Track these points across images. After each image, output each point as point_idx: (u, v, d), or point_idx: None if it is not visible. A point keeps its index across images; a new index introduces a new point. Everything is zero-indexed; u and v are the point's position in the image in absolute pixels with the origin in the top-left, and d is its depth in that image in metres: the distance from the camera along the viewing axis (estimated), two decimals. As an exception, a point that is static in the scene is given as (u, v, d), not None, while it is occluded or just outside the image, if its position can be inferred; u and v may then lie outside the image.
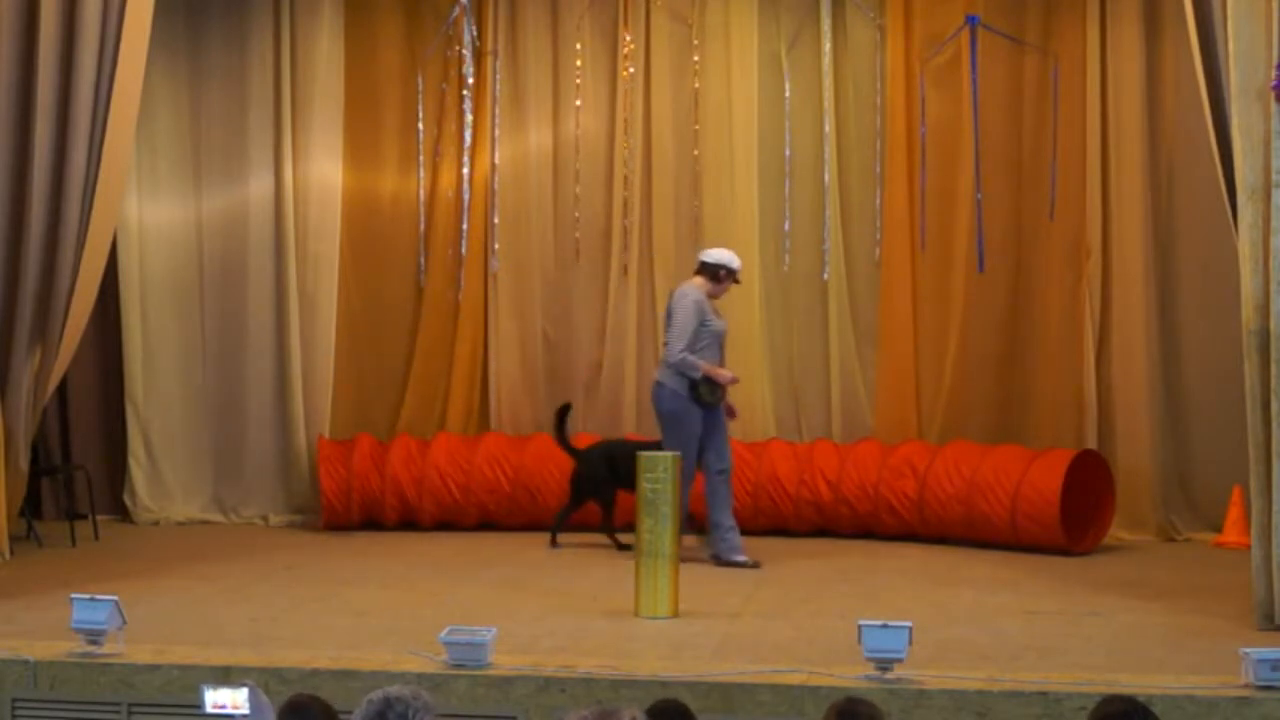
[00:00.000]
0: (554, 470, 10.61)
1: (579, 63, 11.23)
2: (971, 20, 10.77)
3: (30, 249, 9.01)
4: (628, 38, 11.19)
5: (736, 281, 9.54)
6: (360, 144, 11.38)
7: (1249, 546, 7.65)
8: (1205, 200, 9.65)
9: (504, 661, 6.61)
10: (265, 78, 11.25)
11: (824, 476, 10.37)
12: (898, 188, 10.99)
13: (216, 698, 5.17)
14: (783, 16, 11.11)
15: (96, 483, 10.94)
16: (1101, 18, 10.61)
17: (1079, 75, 10.67)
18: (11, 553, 9.39)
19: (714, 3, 11.12)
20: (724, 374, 9.34)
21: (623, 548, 9.56)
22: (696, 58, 11.16)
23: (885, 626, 6.34)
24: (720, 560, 9.27)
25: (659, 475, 7.95)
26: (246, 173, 11.29)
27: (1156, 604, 8.25)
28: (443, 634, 6.64)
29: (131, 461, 11.22)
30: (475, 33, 11.30)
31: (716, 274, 9.40)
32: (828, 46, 11.01)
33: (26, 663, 6.74)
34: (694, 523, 9.47)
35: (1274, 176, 7.31)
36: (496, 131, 11.32)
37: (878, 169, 11.05)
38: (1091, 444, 10.42)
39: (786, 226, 11.05)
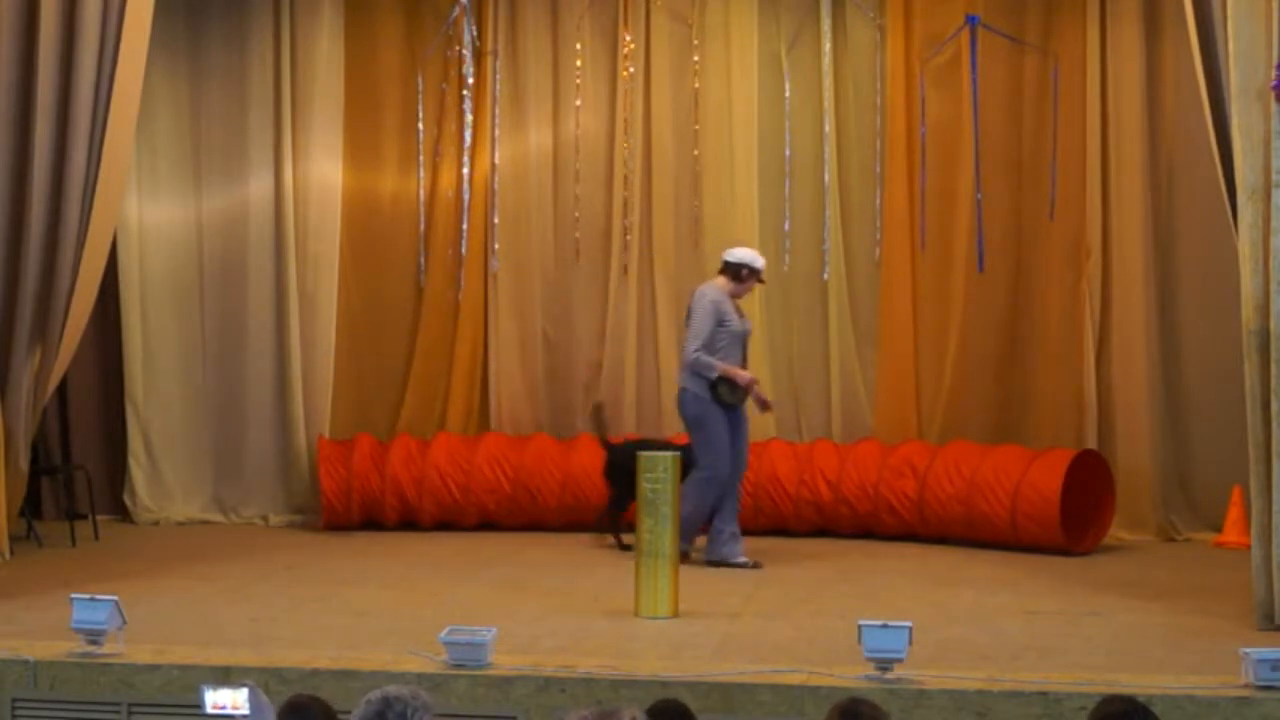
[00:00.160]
0: (554, 470, 10.62)
1: (579, 63, 11.23)
2: (971, 20, 10.77)
3: (30, 249, 9.01)
4: (628, 38, 11.19)
5: (760, 281, 9.50)
6: (360, 144, 11.38)
7: (1249, 546, 7.65)
8: (1205, 200, 9.64)
9: (504, 661, 6.60)
10: (265, 78, 11.25)
11: (824, 476, 10.36)
12: (898, 188, 10.99)
13: (216, 698, 5.17)
14: (783, 16, 11.12)
15: (96, 483, 10.94)
16: (1101, 18, 10.61)
17: (1079, 75, 10.67)
18: (11, 553, 9.39)
19: (714, 3, 11.12)
20: (742, 374, 9.24)
21: (624, 547, 9.55)
22: (696, 58, 11.16)
23: (885, 626, 6.34)
24: (718, 563, 9.25)
25: (659, 475, 7.95)
26: (246, 173, 11.29)
27: (1156, 604, 8.25)
28: (443, 634, 6.64)
29: (131, 461, 11.22)
30: (475, 33, 11.30)
31: (739, 273, 9.33)
32: (828, 46, 11.02)
33: (26, 663, 6.74)
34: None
35: (1274, 176, 7.31)
36: (496, 131, 11.32)
37: (878, 169, 11.05)
38: (1091, 444, 10.42)
39: (786, 226, 11.05)
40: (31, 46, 8.91)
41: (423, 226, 11.41)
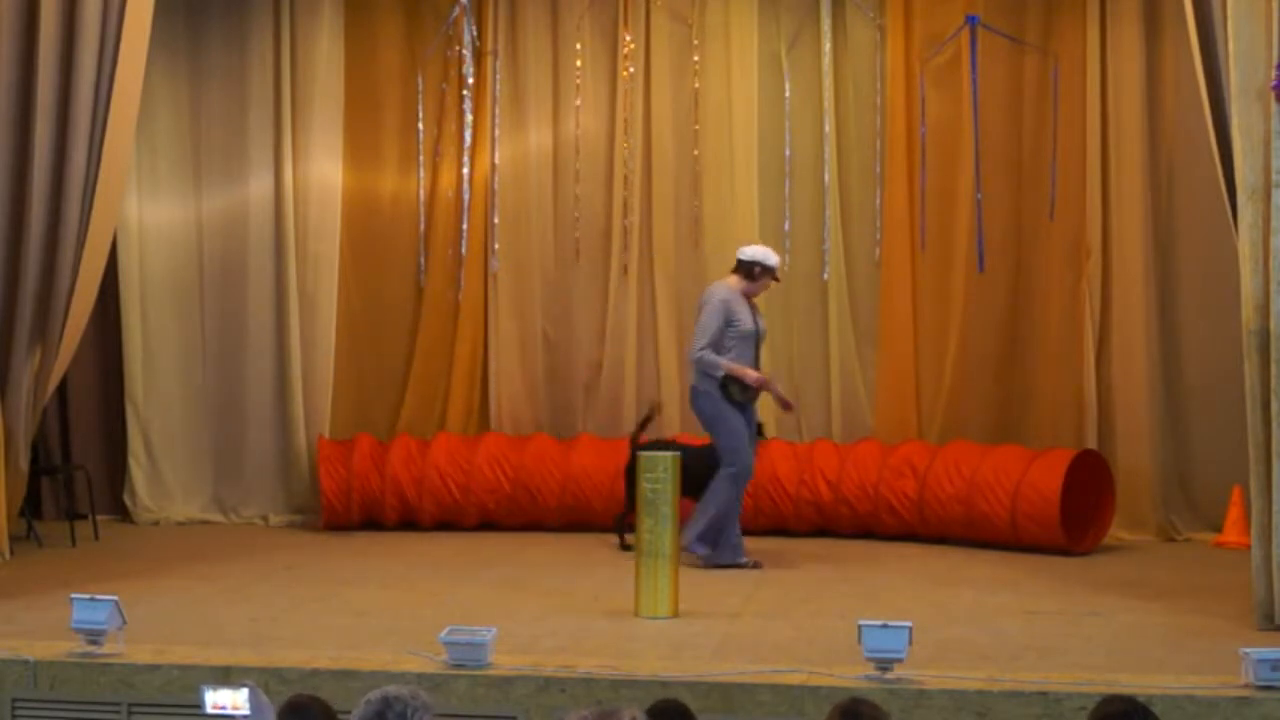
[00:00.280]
0: (554, 470, 10.62)
1: (579, 63, 11.23)
2: (971, 20, 10.77)
3: (30, 249, 9.01)
4: (628, 38, 11.19)
5: (775, 279, 9.40)
6: (360, 144, 11.38)
7: (1249, 546, 7.65)
8: (1205, 200, 9.64)
9: (504, 661, 6.60)
10: (265, 78, 11.25)
11: (824, 476, 10.36)
12: (898, 188, 10.99)
13: (217, 698, 5.16)
14: (783, 16, 11.12)
15: (96, 483, 10.94)
16: (1101, 18, 10.61)
17: (1079, 75, 10.67)
18: (11, 553, 9.39)
19: (714, 3, 11.12)
20: (749, 374, 9.15)
21: (625, 548, 9.54)
22: (696, 58, 11.16)
23: (885, 626, 6.34)
24: (717, 564, 9.25)
25: (659, 475, 7.95)
26: (246, 173, 11.29)
27: (1156, 604, 8.25)
28: (443, 634, 6.64)
29: (131, 461, 11.22)
30: (475, 33, 11.30)
31: (751, 271, 9.24)
32: (828, 46, 11.02)
33: (26, 663, 6.74)
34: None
35: (1274, 176, 7.31)
36: (496, 131, 11.32)
37: (878, 169, 11.05)
38: (1091, 444, 10.42)
39: (786, 226, 11.05)
40: (31, 46, 8.91)
41: (423, 226, 11.41)
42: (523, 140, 11.34)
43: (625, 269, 11.22)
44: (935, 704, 6.23)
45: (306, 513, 11.04)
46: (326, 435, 11.03)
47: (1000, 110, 10.89)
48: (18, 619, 7.74)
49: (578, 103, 11.25)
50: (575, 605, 8.20)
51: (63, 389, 10.83)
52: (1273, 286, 7.32)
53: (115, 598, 6.81)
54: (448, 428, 11.16)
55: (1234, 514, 9.93)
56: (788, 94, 11.09)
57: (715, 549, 9.21)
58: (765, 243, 10.73)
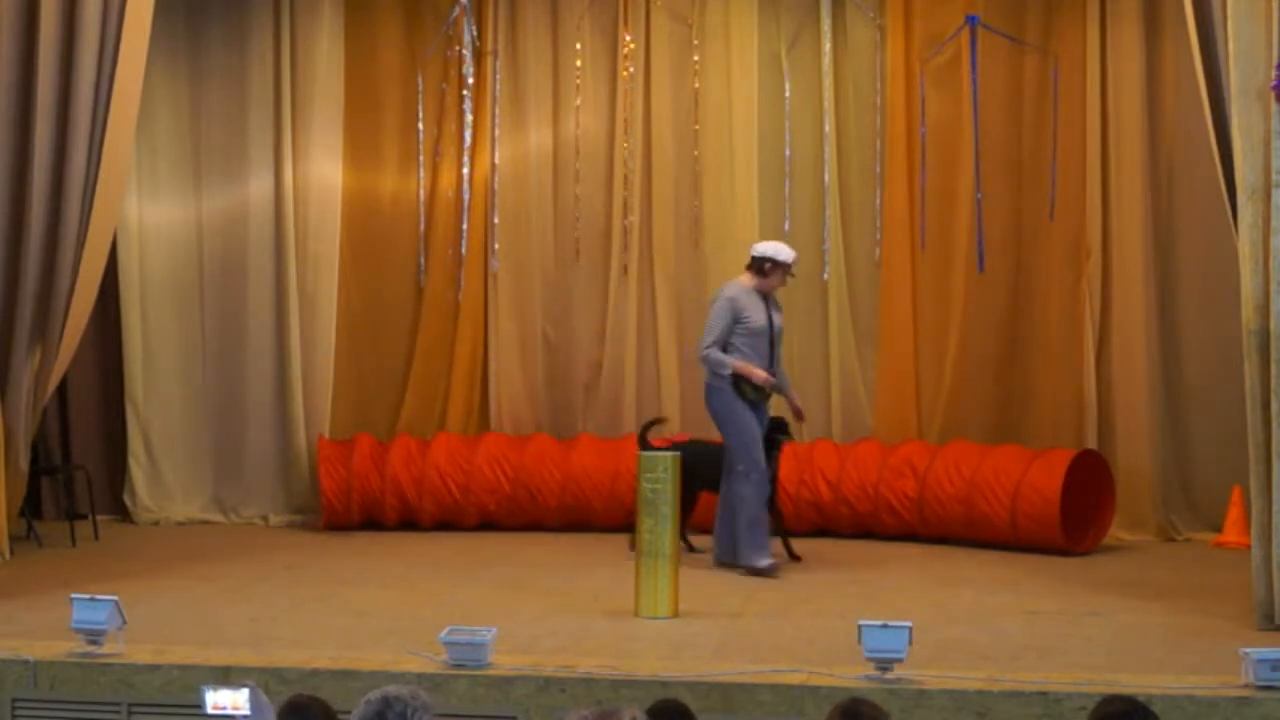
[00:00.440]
0: (554, 470, 10.62)
1: (579, 63, 11.23)
2: (971, 20, 10.77)
3: (30, 249, 9.01)
4: (628, 38, 11.19)
5: (789, 274, 9.25)
6: (360, 144, 11.38)
7: (1249, 546, 7.65)
8: (1205, 200, 9.65)
9: (504, 661, 6.61)
10: (265, 78, 11.25)
11: (824, 476, 10.37)
12: (898, 188, 10.99)
13: (217, 698, 5.16)
14: (783, 16, 11.12)
15: (96, 483, 10.94)
16: (1101, 18, 10.61)
17: (1079, 75, 10.68)
18: (11, 553, 9.40)
19: (714, 3, 11.12)
20: (757, 373, 9.04)
21: (691, 549, 9.52)
22: (696, 58, 11.16)
23: (885, 626, 6.34)
24: (729, 565, 9.26)
25: (659, 475, 7.95)
26: (246, 173, 11.29)
27: (1156, 604, 8.25)
28: (443, 634, 6.64)
29: (131, 461, 11.22)
30: (475, 33, 11.30)
31: (761, 267, 9.14)
32: (828, 46, 11.02)
33: (26, 663, 6.74)
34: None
35: (1274, 176, 7.31)
36: (496, 131, 11.32)
37: (878, 169, 11.05)
38: (1091, 444, 10.42)
39: (786, 226, 11.04)
40: (31, 46, 8.91)
41: (423, 226, 11.41)
42: (523, 140, 11.34)
43: (625, 269, 11.22)
44: (935, 704, 6.24)
45: (306, 513, 11.05)
46: (326, 435, 11.03)
47: (1000, 110, 10.89)
48: (18, 619, 7.74)
49: (578, 103, 11.26)
50: (575, 605, 8.20)
51: (63, 389, 10.84)
52: (1273, 286, 7.32)
53: (115, 598, 6.81)
54: (448, 428, 11.16)
55: (1234, 514, 9.94)
56: (788, 94, 11.09)
57: (734, 551, 9.23)
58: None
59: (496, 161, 11.33)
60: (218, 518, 11.20)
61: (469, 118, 11.33)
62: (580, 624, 7.72)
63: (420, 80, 11.35)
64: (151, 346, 11.28)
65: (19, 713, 6.70)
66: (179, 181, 11.34)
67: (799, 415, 9.49)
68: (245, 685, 5.17)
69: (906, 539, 10.22)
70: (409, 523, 10.75)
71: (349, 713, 4.35)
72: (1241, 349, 7.51)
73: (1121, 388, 10.63)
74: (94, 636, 6.77)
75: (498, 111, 11.31)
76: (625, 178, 11.21)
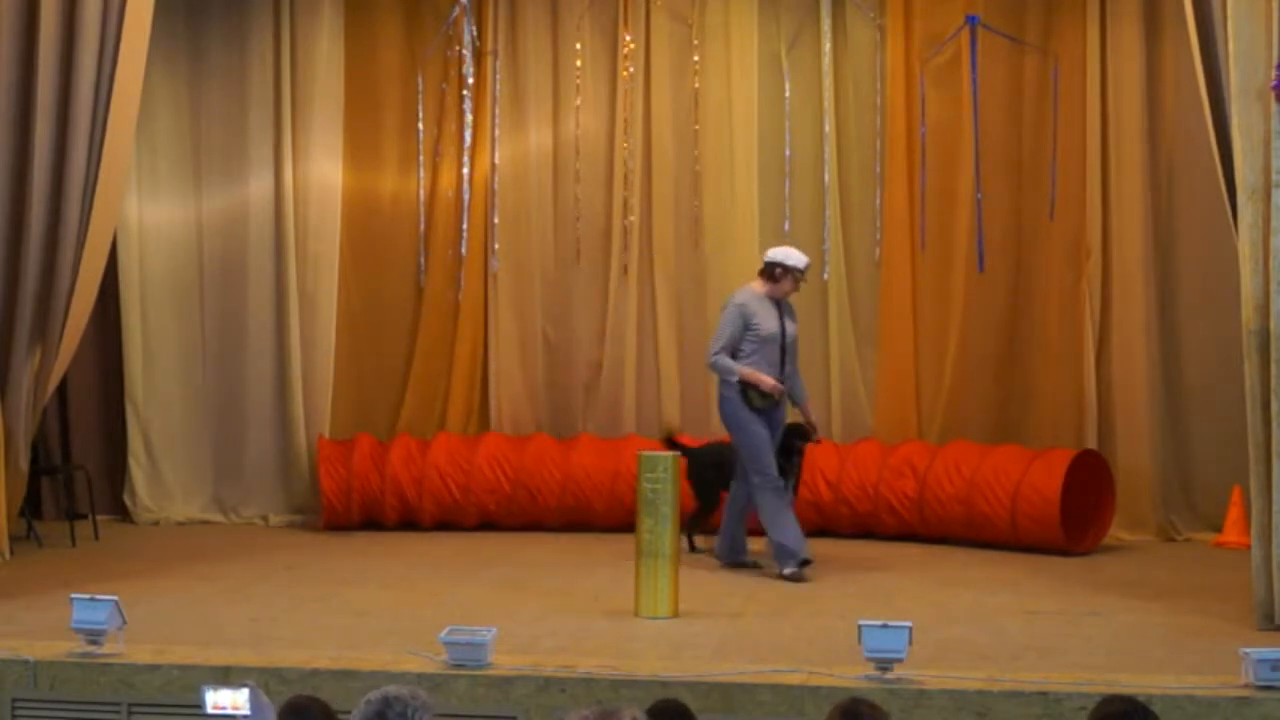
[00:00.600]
0: (553, 470, 10.62)
1: (579, 63, 11.23)
2: (971, 20, 10.77)
3: (30, 249, 9.01)
4: (628, 38, 11.19)
5: (799, 278, 9.13)
6: (360, 144, 11.38)
7: (1249, 546, 7.65)
8: (1205, 200, 9.65)
9: (504, 661, 6.61)
10: (265, 78, 11.25)
11: (824, 476, 10.36)
12: (898, 188, 10.99)
13: (217, 698, 5.16)
14: (783, 16, 11.11)
15: (96, 483, 10.94)
16: (1101, 18, 10.61)
17: (1079, 75, 10.67)
18: (11, 553, 9.40)
19: (714, 3, 11.12)
20: (765, 380, 8.91)
21: (694, 550, 9.55)
22: (696, 58, 11.16)
23: (885, 626, 6.34)
24: (738, 564, 9.26)
25: (659, 475, 7.94)
26: (246, 173, 11.29)
27: (1156, 604, 8.25)
28: (443, 634, 6.64)
29: (131, 461, 11.22)
30: (475, 33, 11.30)
31: (772, 273, 9.05)
32: (828, 46, 11.01)
33: (26, 663, 6.74)
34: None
35: (1274, 176, 7.31)
36: (496, 131, 11.32)
37: (878, 169, 11.04)
38: (1091, 444, 10.42)
39: (786, 226, 11.04)
40: (31, 46, 8.91)
41: (423, 226, 11.41)
42: (523, 140, 11.34)
43: (625, 269, 11.22)
44: (935, 704, 6.24)
45: (306, 513, 11.05)
46: (326, 435, 11.03)
47: (1000, 110, 10.89)
48: (18, 619, 7.74)
49: (578, 103, 11.25)
50: (575, 605, 8.20)
51: (63, 389, 10.84)
52: (1273, 286, 7.32)
53: (115, 598, 6.81)
54: (448, 428, 11.16)
55: (1234, 514, 9.94)
56: (788, 94, 11.09)
57: (730, 550, 9.26)
58: (765, 243, 10.75)
59: (496, 161, 11.33)
60: (218, 518, 11.20)
61: (469, 118, 11.33)
62: (580, 624, 7.72)
63: (420, 80, 11.35)
64: (151, 346, 11.28)
65: (19, 713, 6.70)
66: (179, 181, 11.34)
67: (812, 429, 9.37)
68: (245, 685, 5.17)
69: (906, 539, 10.21)
70: (409, 523, 10.75)
71: (349, 713, 4.35)
72: (1241, 349, 7.51)
73: (1121, 388, 10.63)
74: (94, 636, 6.77)
75: (498, 111, 11.31)
76: (625, 178, 11.21)
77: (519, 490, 10.65)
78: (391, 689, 4.22)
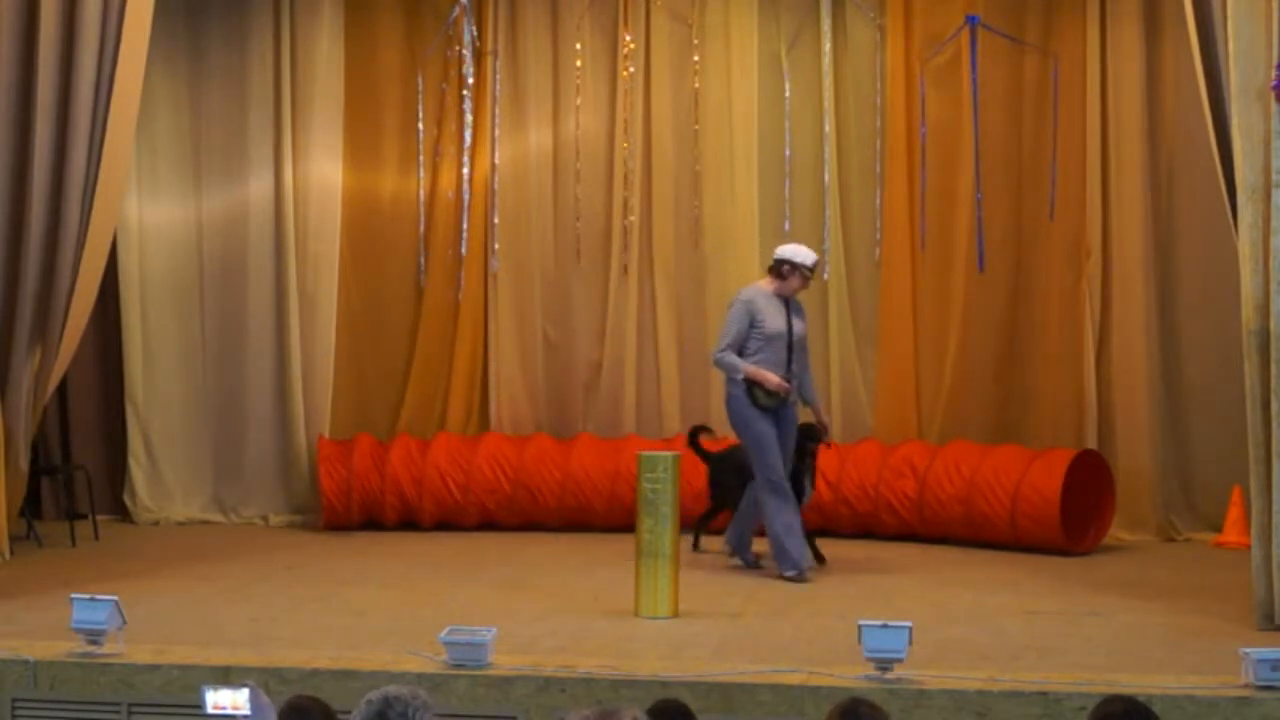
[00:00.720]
0: (554, 470, 10.62)
1: (579, 63, 11.23)
2: (971, 20, 10.77)
3: (30, 249, 9.01)
4: (628, 38, 11.19)
5: (807, 276, 9.05)
6: (360, 144, 11.38)
7: (1249, 546, 7.65)
8: (1205, 200, 9.65)
9: (504, 661, 6.61)
10: (265, 78, 11.25)
11: (824, 477, 10.33)
12: (898, 188, 10.99)
13: (217, 698, 5.17)
14: (783, 16, 11.11)
15: (96, 483, 10.94)
16: (1101, 18, 10.61)
17: (1079, 75, 10.67)
18: (11, 553, 9.39)
19: (714, 3, 11.12)
20: (770, 379, 8.82)
21: (698, 549, 9.60)
22: (696, 58, 11.16)
23: (885, 626, 6.34)
24: (731, 549, 9.28)
25: (659, 475, 7.94)
26: (246, 173, 11.29)
27: (1156, 604, 8.25)
28: (443, 634, 6.64)
29: (131, 461, 11.22)
30: (475, 33, 11.30)
31: (779, 270, 8.98)
32: (828, 46, 11.01)
33: (26, 663, 6.74)
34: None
35: (1274, 176, 7.31)
36: (496, 131, 11.32)
37: (878, 169, 11.04)
38: (1091, 444, 10.42)
39: (786, 226, 11.04)
40: (31, 46, 8.91)
41: (423, 226, 11.41)
42: (523, 140, 11.34)
43: (625, 269, 11.22)
44: (935, 704, 6.23)
45: (306, 513, 11.05)
46: (326, 435, 11.03)
47: (1000, 110, 10.89)
48: (18, 619, 7.74)
49: (578, 103, 11.26)
50: (575, 605, 8.20)
51: (63, 389, 10.84)
52: (1273, 286, 7.32)
53: (115, 598, 6.81)
54: (448, 428, 11.16)
55: (1234, 514, 9.94)
56: (788, 94, 11.09)
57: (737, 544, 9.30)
58: (765, 243, 10.78)
59: (496, 161, 11.33)
60: (218, 518, 11.20)
61: (469, 118, 11.33)
62: (580, 624, 7.72)
63: (420, 80, 11.35)
64: (151, 346, 11.28)
65: (19, 713, 6.70)
66: (179, 181, 11.34)
67: (824, 430, 9.31)
68: (245, 685, 5.17)
69: (906, 539, 10.22)
70: (409, 523, 10.75)
71: (349, 713, 4.35)
72: (1241, 349, 7.51)
73: (1121, 388, 10.63)
74: (94, 636, 6.77)
75: (498, 111, 11.31)
76: (625, 178, 11.21)
77: (519, 490, 10.65)
78: (392, 689, 4.22)
